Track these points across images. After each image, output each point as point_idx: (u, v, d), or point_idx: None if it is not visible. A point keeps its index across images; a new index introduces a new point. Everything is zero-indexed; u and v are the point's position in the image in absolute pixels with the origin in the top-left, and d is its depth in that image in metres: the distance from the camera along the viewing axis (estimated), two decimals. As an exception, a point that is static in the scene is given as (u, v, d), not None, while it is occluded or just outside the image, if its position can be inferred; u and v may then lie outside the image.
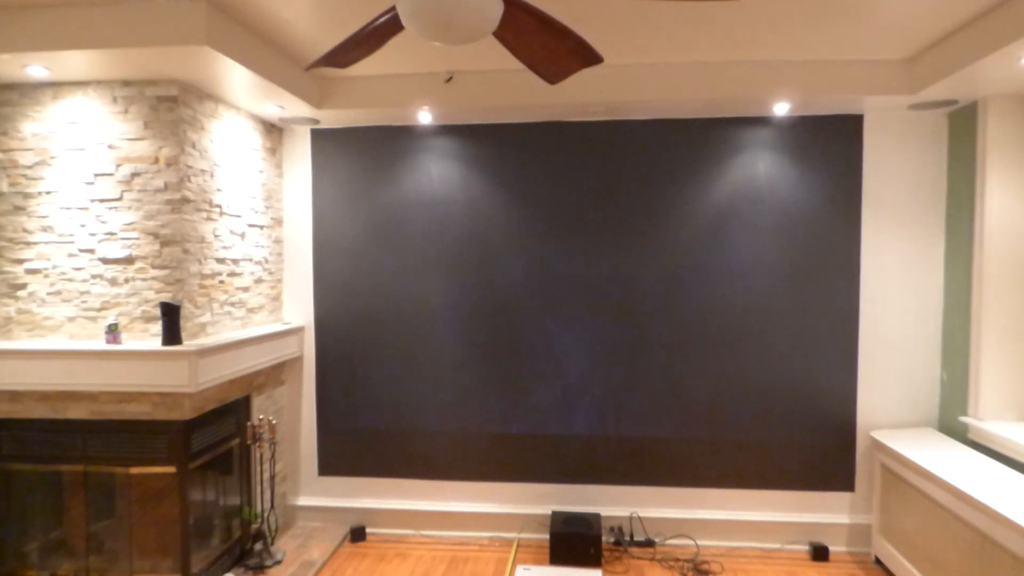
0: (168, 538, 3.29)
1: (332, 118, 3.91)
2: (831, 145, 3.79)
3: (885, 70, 3.43)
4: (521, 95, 3.62)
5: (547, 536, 4.07)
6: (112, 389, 3.11)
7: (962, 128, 3.60)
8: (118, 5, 2.71)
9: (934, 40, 3.13)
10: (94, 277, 3.25)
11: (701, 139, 3.87)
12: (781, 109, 3.68)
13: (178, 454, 3.23)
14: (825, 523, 3.88)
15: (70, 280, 3.25)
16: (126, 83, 3.19)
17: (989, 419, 3.39)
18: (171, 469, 3.24)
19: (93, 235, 3.24)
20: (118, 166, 3.21)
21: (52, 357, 3.10)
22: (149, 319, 3.24)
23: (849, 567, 3.70)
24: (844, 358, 3.84)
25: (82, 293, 3.25)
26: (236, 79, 3.16)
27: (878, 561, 3.70)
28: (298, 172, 4.21)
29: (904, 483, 3.44)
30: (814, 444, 3.89)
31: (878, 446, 3.68)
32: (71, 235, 3.23)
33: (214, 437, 3.51)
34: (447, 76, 3.61)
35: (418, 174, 4.10)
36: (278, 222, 4.20)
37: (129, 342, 3.20)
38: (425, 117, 3.90)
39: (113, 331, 3.14)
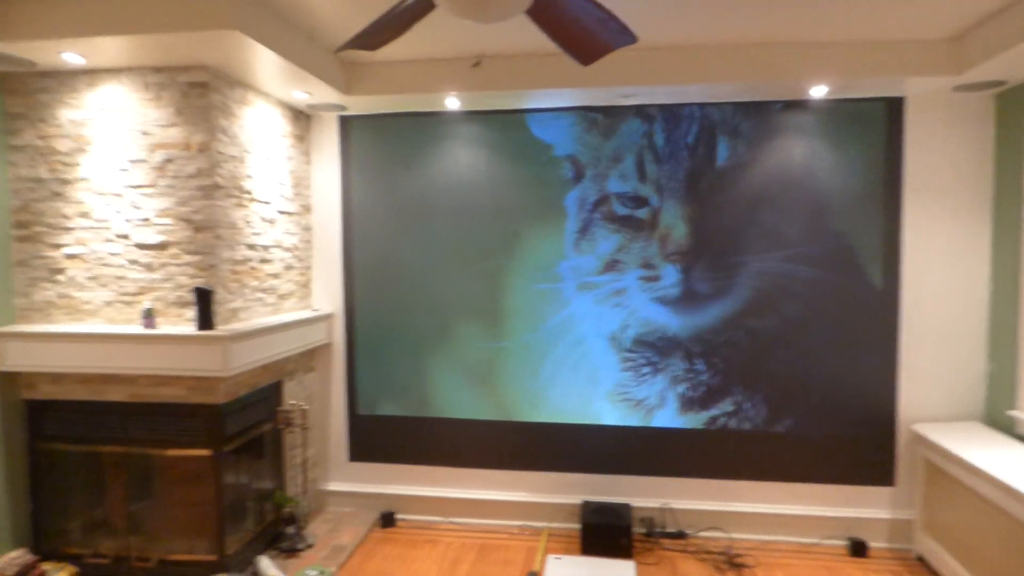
0: (204, 520, 3.35)
1: (359, 104, 3.89)
2: (871, 129, 3.65)
3: (928, 50, 3.27)
4: (550, 79, 3.55)
5: (577, 526, 4.04)
6: (149, 372, 3.16)
7: (1011, 110, 3.42)
8: (150, -10, 2.72)
9: (982, 17, 2.98)
10: (130, 262, 3.30)
11: (736, 123, 3.75)
12: (819, 92, 3.55)
13: (213, 437, 3.28)
14: (864, 518, 3.77)
15: (107, 265, 3.30)
16: (158, 69, 3.21)
17: (1041, 412, 3.24)
18: (206, 452, 3.29)
19: (128, 221, 3.28)
20: (151, 152, 3.24)
21: (92, 340, 3.16)
22: (183, 304, 3.28)
23: (889, 563, 3.59)
24: (884, 349, 3.71)
25: (118, 278, 3.30)
26: (265, 64, 3.16)
27: (920, 558, 3.58)
28: (326, 159, 4.22)
29: (950, 478, 3.32)
30: (852, 437, 3.78)
31: (921, 440, 3.56)
32: (107, 221, 3.28)
33: (247, 421, 3.55)
34: (475, 61, 3.57)
35: (446, 160, 4.06)
36: (307, 209, 4.21)
37: (164, 327, 3.25)
38: (452, 103, 3.86)
39: (149, 316, 3.19)
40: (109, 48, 2.92)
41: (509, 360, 4.08)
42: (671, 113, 3.82)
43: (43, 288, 3.34)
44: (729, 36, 3.28)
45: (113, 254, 3.30)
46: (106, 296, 3.32)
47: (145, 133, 3.24)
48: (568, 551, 3.80)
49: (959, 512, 3.24)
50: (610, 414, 4.00)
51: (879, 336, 3.71)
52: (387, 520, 4.14)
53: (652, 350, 3.92)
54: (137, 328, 3.22)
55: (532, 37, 3.29)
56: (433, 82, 3.64)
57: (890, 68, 3.27)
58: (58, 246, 3.32)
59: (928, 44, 3.26)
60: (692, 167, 3.81)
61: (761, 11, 2.94)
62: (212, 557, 3.34)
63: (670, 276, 3.86)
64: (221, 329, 3.17)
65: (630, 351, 3.94)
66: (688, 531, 3.92)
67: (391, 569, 3.60)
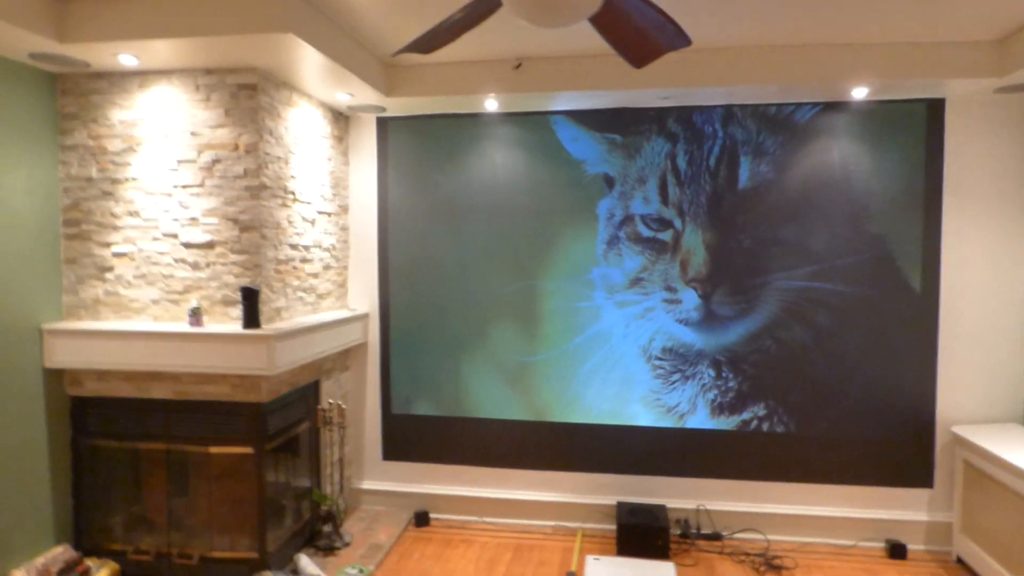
0: (245, 517, 3.37)
1: (400, 106, 3.94)
2: (911, 130, 3.66)
3: (971, 52, 3.29)
4: (589, 80, 3.58)
5: (612, 527, 4.05)
6: (195, 370, 3.20)
7: (1056, 110, 3.43)
8: (207, -7, 2.77)
9: (1030, 18, 2.99)
10: (177, 261, 3.34)
11: (760, 140, 3.77)
12: (860, 93, 3.56)
13: (255, 435, 3.31)
14: (902, 520, 3.76)
15: (155, 264, 3.35)
16: (208, 71, 3.26)
17: (1086, 415, 3.23)
18: (249, 449, 3.32)
19: (176, 220, 3.33)
20: (200, 153, 3.29)
21: (138, 338, 3.20)
22: (229, 303, 3.31)
23: (929, 566, 3.57)
24: (923, 351, 3.71)
25: (166, 277, 3.35)
26: (312, 66, 3.20)
27: (960, 560, 3.57)
28: (364, 160, 4.26)
29: (990, 480, 3.31)
30: (890, 439, 3.77)
31: (960, 442, 3.55)
32: (155, 220, 3.33)
33: (287, 420, 3.58)
34: (516, 63, 3.60)
35: (483, 162, 4.10)
36: (344, 210, 4.25)
37: (210, 325, 3.29)
38: (491, 104, 3.90)
39: (196, 314, 3.23)
40: (162, 50, 2.97)
41: (543, 362, 4.10)
42: (694, 133, 3.85)
43: (91, 286, 3.39)
44: (772, 37, 3.30)
45: (161, 253, 3.34)
46: (153, 294, 3.36)
47: (194, 134, 3.29)
48: (603, 552, 3.80)
49: (999, 514, 3.23)
50: (643, 417, 4.01)
51: (918, 339, 3.71)
52: (421, 519, 4.16)
53: (680, 359, 3.94)
54: (184, 326, 3.26)
55: (572, 39, 3.32)
56: (473, 83, 3.68)
57: (934, 70, 3.29)
58: (107, 244, 3.36)
59: (972, 46, 3.27)
60: (713, 191, 3.85)
61: (805, 11, 2.96)
62: (253, 554, 3.37)
63: (690, 300, 3.90)
64: (266, 328, 3.20)
65: (659, 359, 3.96)
66: (724, 532, 3.92)
67: (428, 568, 3.62)
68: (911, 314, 3.71)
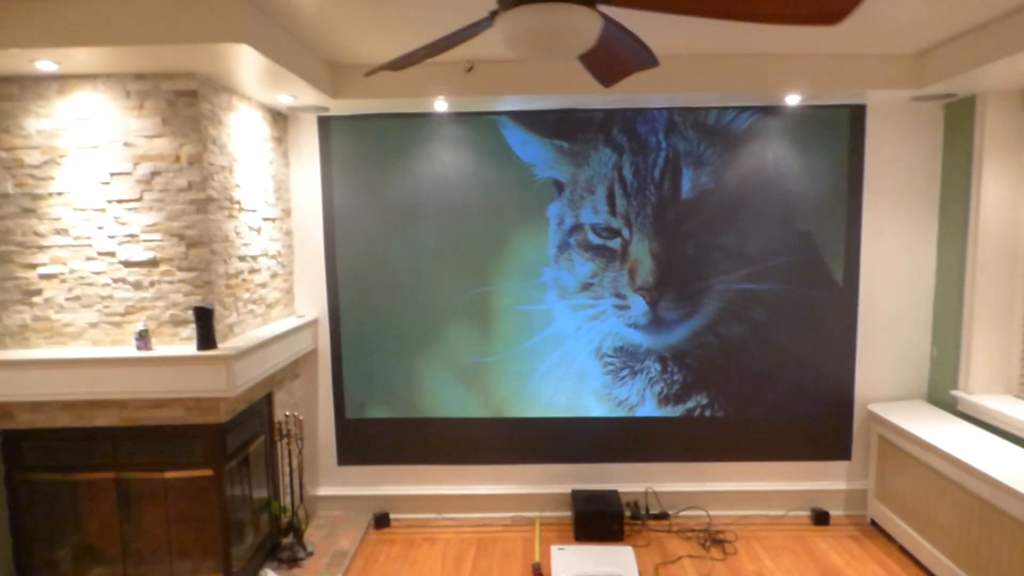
0: (207, 539, 3.29)
1: (344, 106, 3.80)
2: (836, 134, 3.95)
3: (892, 65, 3.56)
4: (539, 85, 3.60)
5: (568, 514, 4.25)
6: (145, 396, 3.05)
7: (958, 119, 3.80)
8: None
9: (943, 40, 3.28)
10: (116, 281, 3.13)
11: (701, 151, 3.96)
12: (792, 100, 3.79)
13: (215, 457, 3.21)
14: (825, 490, 4.18)
15: (90, 285, 3.12)
16: (140, 76, 3.02)
17: (979, 393, 3.70)
18: (208, 472, 3.22)
19: (112, 237, 3.10)
20: (136, 165, 3.06)
21: (78, 366, 3.00)
22: (178, 323, 3.16)
23: (848, 529, 4.02)
24: (844, 338, 4.09)
25: (104, 298, 3.13)
26: (257, 71, 3.03)
27: (873, 522, 4.03)
28: (305, 161, 4.10)
29: (900, 451, 3.74)
30: (815, 418, 4.16)
31: (875, 418, 3.97)
32: (88, 238, 3.09)
33: (244, 437, 3.48)
34: (468, 66, 3.56)
35: (432, 162, 4.05)
36: (287, 213, 4.09)
37: (160, 348, 3.12)
38: (441, 105, 3.84)
39: (144, 337, 3.05)
40: (86, 55, 2.71)
41: (498, 362, 4.19)
42: (639, 143, 3.98)
43: (16, 311, 3.12)
44: (713, 47, 3.43)
45: (97, 273, 3.11)
46: (90, 317, 3.14)
47: (128, 144, 3.05)
48: (561, 538, 4.00)
49: (907, 480, 3.67)
50: (596, 409, 4.20)
51: (840, 327, 4.08)
52: (381, 521, 4.20)
53: (629, 357, 4.14)
54: (130, 350, 3.08)
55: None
56: (423, 86, 3.61)
57: (859, 80, 3.54)
58: (32, 266, 3.09)
59: (893, 59, 3.54)
60: (658, 202, 4.02)
61: (743, 25, 3.09)
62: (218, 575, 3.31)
63: (639, 306, 4.09)
64: (224, 348, 3.08)
65: (610, 357, 4.14)
66: (670, 512, 4.22)
67: (395, 570, 3.68)
68: (834, 305, 4.07)
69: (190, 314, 3.14)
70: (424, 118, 4.02)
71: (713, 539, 3.93)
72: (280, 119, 3.99)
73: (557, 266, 4.09)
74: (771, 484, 4.21)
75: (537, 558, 3.77)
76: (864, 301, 4.07)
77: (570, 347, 4.14)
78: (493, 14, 1.83)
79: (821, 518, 4.08)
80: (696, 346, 4.10)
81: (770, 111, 3.94)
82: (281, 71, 3.03)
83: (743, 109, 3.94)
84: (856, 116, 3.94)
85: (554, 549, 3.60)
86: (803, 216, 4.01)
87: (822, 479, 4.21)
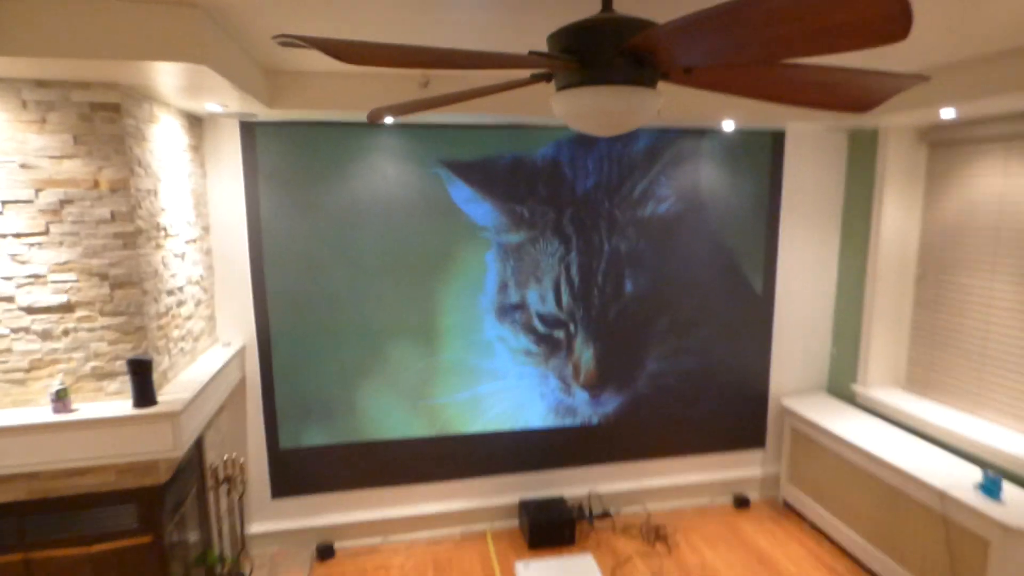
0: (146, 613, 2.91)
1: (275, 114, 3.40)
2: (760, 155, 4.24)
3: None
4: (493, 104, 3.46)
5: (516, 523, 4.30)
6: (64, 466, 2.59)
7: (860, 147, 4.24)
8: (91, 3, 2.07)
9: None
10: (16, 331, 2.59)
11: (653, 146, 4.07)
12: (728, 126, 4.00)
13: (154, 522, 2.82)
14: (743, 477, 4.61)
15: (-19, 337, 2.56)
16: (41, 83, 2.47)
17: (874, 386, 4.24)
18: (147, 539, 2.83)
19: (9, 279, 2.55)
20: (38, 191, 2.53)
21: (-26, 438, 2.47)
22: (102, 376, 2.70)
23: (764, 510, 4.48)
24: (762, 338, 4.48)
25: (0, 352, 2.58)
26: (191, 82, 2.60)
27: (786, 503, 4.53)
28: (225, 171, 3.63)
29: (811, 441, 4.21)
30: (736, 412, 4.55)
31: (787, 411, 4.43)
32: (-24, 281, 2.52)
33: (182, 492, 3.10)
34: (424, 81, 3.33)
35: (373, 175, 3.78)
36: (206, 231, 3.62)
37: (82, 407, 2.65)
38: (387, 119, 3.56)
39: (62, 397, 2.57)
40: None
41: (441, 378, 4.08)
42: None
43: None
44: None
45: (-11, 322, 2.56)
46: (-17, 375, 2.58)
47: (25, 166, 2.50)
48: (515, 548, 4.05)
49: (819, 467, 4.16)
50: (537, 422, 4.25)
51: (758, 332, 4.46)
52: (325, 552, 3.97)
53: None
54: (40, 413, 2.58)
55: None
56: (370, 99, 3.32)
57: (780, 116, 3.79)
58: (-102, 317, 2.47)
59: (813, 93, 3.84)
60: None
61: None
62: (162, 651, 2.95)
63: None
64: (165, 402, 2.69)
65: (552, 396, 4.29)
66: (611, 510, 4.43)
67: (354, 609, 3.52)
68: (753, 313, 4.43)
69: (117, 366, 2.70)
70: (363, 127, 3.72)
71: (656, 534, 4.19)
72: (196, 124, 3.48)
73: (500, 324, 4.10)
74: (698, 476, 4.56)
75: (496, 574, 3.79)
76: (779, 308, 4.47)
77: (512, 384, 4.18)
78: (532, 54, 1.68)
79: (742, 503, 4.50)
80: (626, 329, 4.31)
81: (706, 134, 4.13)
82: (221, 83, 2.63)
83: (684, 132, 4.09)
84: (778, 141, 4.25)
85: (519, 566, 3.61)
86: (730, 233, 4.29)
87: (741, 467, 4.63)
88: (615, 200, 4.08)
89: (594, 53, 1.61)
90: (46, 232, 2.56)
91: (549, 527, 4.03)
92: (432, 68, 1.87)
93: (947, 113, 3.38)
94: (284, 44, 1.27)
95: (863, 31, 1.08)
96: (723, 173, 4.20)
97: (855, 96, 1.85)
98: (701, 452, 4.55)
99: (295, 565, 3.85)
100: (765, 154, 4.25)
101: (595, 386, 4.28)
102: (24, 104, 2.47)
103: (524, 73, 3.01)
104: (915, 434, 3.84)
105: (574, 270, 4.08)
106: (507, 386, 4.17)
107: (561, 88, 1.70)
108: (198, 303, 3.44)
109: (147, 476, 2.75)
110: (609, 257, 4.12)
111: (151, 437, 2.64)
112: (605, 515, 4.38)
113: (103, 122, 2.54)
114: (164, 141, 3.00)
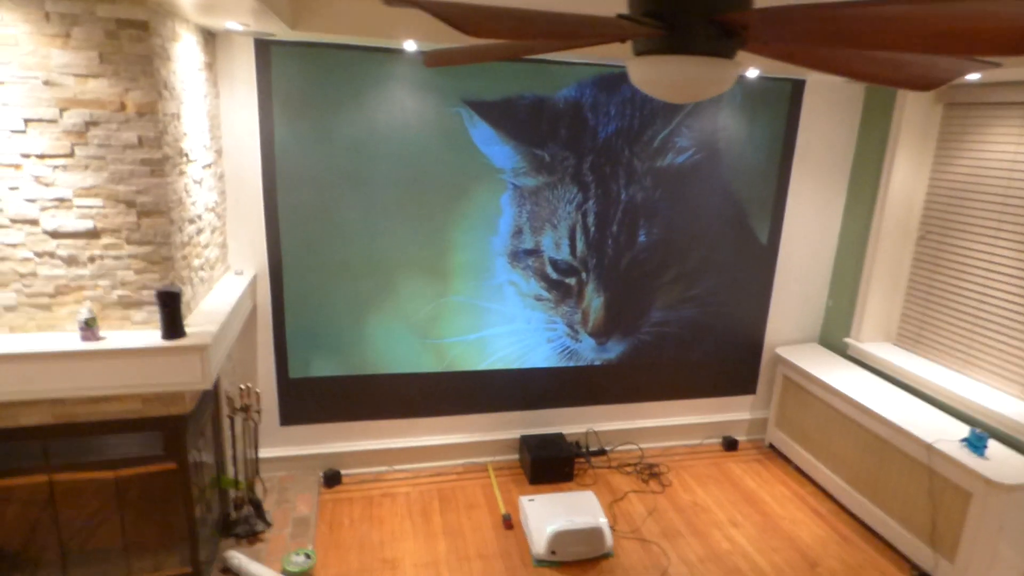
0: (170, 535, 3.00)
1: (293, 33, 3.24)
2: (778, 105, 4.21)
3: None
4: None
5: (515, 457, 4.47)
6: (91, 393, 2.59)
7: (876, 102, 4.24)
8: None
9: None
10: (40, 255, 2.52)
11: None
12: (751, 73, 3.95)
13: (178, 449, 2.86)
14: (733, 420, 4.83)
15: (4, 260, 2.48)
16: (62, -8, 2.30)
17: (868, 341, 4.43)
18: (171, 466, 2.88)
19: (32, 201, 2.46)
20: (62, 111, 2.40)
21: (2, 362, 2.44)
22: (129, 305, 2.66)
23: (752, 453, 4.73)
24: (762, 288, 4.59)
25: (24, 276, 2.52)
26: None
27: (771, 446, 4.78)
28: (239, 91, 3.48)
29: (803, 390, 4.41)
30: (731, 359, 4.71)
31: (780, 360, 4.61)
32: (-3, 202, 2.42)
33: (203, 420, 3.13)
34: (456, 8, 3.18)
35: (391, 105, 3.66)
36: (219, 154, 3.49)
37: (110, 335, 2.62)
38: (410, 45, 3.43)
39: (91, 326, 2.54)
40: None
41: (450, 317, 4.12)
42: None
43: None
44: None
45: (12, 245, 2.47)
46: (7, 299, 2.52)
47: (49, 83, 2.36)
48: (516, 482, 4.23)
49: (808, 413, 4.38)
50: (541, 362, 4.35)
51: (759, 282, 4.57)
52: (332, 479, 4.09)
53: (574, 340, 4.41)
54: (69, 340, 2.55)
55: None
56: (400, 26, 3.18)
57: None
58: (-84, 237, 2.37)
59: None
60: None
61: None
62: (186, 569, 3.06)
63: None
64: (194, 334, 2.68)
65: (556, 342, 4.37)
66: (607, 448, 4.62)
67: (365, 533, 3.67)
68: (757, 263, 4.52)
69: (144, 295, 2.66)
70: (386, 54, 3.57)
71: (650, 472, 4.40)
72: (211, 40, 3.30)
73: (511, 269, 4.11)
74: (690, 418, 4.76)
75: (500, 506, 3.97)
76: (781, 259, 4.56)
77: (521, 328, 4.24)
78: (621, 18, 1.64)
79: (731, 445, 4.74)
80: (637, 274, 4.38)
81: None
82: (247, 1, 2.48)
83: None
84: (797, 90, 4.22)
85: (523, 500, 3.80)
86: (742, 184, 4.31)
87: (731, 411, 4.85)
88: (635, 148, 4.04)
89: (684, 21, 1.57)
90: (71, 154, 2.45)
91: (550, 463, 4.20)
92: (538, 39, 1.77)
93: (972, 75, 3.39)
94: (389, 4, 1.19)
95: (995, 41, 1.06)
96: (740, 123, 4.18)
97: (922, 74, 1.86)
98: (695, 396, 4.73)
99: (303, 490, 3.97)
100: (782, 104, 4.22)
101: (602, 334, 4.37)
102: (47, 16, 2.31)
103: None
104: (904, 388, 4.05)
105: (591, 218, 4.09)
106: (516, 329, 4.23)
107: (640, 53, 1.66)
108: (213, 230, 3.36)
109: (173, 405, 2.77)
110: (625, 207, 4.13)
111: (180, 368, 2.64)
112: (601, 452, 4.58)
113: (130, 40, 2.39)
114: (185, 61, 2.84)
